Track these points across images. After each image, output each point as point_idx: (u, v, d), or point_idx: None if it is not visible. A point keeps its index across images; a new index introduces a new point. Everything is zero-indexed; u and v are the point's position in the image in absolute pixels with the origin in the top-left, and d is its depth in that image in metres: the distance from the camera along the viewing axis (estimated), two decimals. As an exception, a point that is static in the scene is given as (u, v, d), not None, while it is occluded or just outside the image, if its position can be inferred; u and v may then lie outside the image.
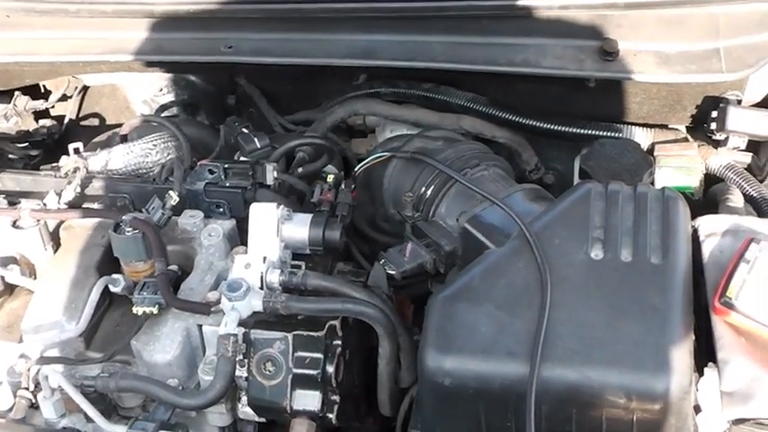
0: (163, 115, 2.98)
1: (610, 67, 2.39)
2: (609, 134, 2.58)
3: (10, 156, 3.03)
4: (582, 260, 1.88)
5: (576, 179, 2.56)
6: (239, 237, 2.37)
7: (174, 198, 2.34)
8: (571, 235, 1.93)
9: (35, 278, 2.41)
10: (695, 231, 2.03)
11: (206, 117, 3.09)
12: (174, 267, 2.26)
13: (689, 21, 2.37)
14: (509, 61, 2.45)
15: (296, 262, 2.21)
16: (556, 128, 2.62)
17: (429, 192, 2.37)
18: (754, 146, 2.52)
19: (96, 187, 2.51)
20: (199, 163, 2.44)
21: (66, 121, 3.23)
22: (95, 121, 3.29)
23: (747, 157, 2.51)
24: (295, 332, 2.07)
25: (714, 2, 2.32)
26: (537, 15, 2.44)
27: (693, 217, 2.03)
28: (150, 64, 2.81)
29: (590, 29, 2.42)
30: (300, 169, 2.59)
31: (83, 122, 3.28)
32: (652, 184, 2.40)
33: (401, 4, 2.44)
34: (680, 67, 2.36)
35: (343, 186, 2.46)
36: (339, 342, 2.11)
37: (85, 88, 3.25)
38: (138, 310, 2.13)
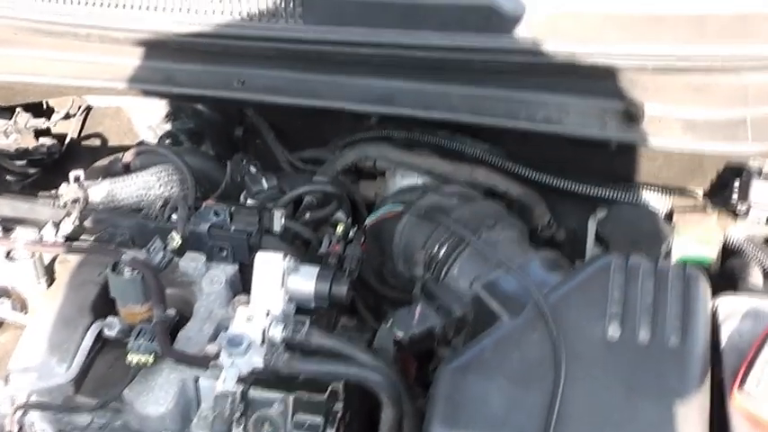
0: (167, 143, 2.92)
1: (633, 132, 2.32)
2: (626, 196, 2.51)
3: (8, 173, 2.97)
4: (598, 337, 1.82)
5: (591, 242, 2.52)
6: (242, 283, 2.29)
7: (176, 240, 2.26)
8: (588, 309, 1.88)
9: (26, 313, 2.33)
10: (714, 312, 1.97)
11: (211, 147, 2.95)
12: (171, 312, 2.16)
13: (717, 88, 2.28)
14: (530, 117, 2.38)
15: (300, 317, 2.11)
16: (572, 186, 2.54)
17: (442, 252, 2.28)
18: (776, 219, 2.43)
19: (96, 220, 2.43)
20: (204, 204, 2.35)
21: (67, 140, 3.15)
22: (97, 142, 3.21)
23: (767, 230, 2.43)
24: (295, 394, 1.97)
25: (744, 70, 2.23)
26: (561, 72, 2.34)
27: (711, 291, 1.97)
28: (159, 94, 2.74)
29: (615, 90, 2.33)
30: (308, 215, 2.51)
31: (84, 142, 3.20)
32: (670, 252, 2.32)
33: (423, 53, 2.33)
34: (706, 134, 2.29)
35: (352, 235, 2.38)
36: (340, 406, 2.02)
37: (89, 108, 3.19)
38: (132, 358, 2.04)
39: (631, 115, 2.31)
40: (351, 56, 2.44)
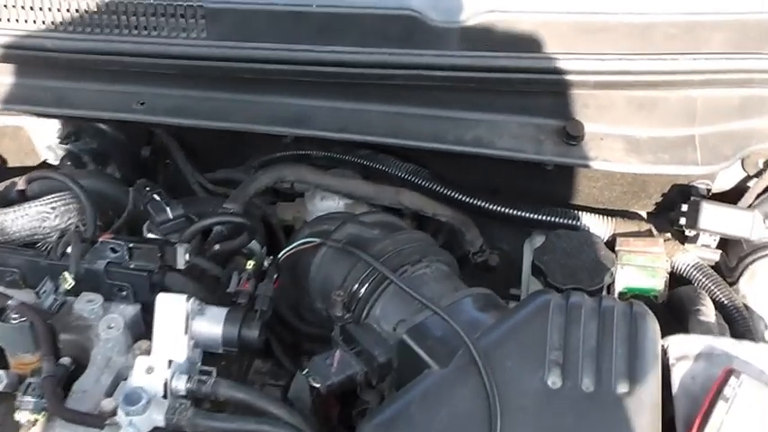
0: (68, 165, 2.74)
1: (573, 152, 2.14)
2: (564, 220, 2.35)
3: None
4: (537, 388, 1.67)
5: (527, 271, 2.36)
6: (144, 325, 2.08)
7: (68, 281, 2.06)
8: (526, 356, 1.72)
9: None
10: (664, 353, 1.82)
11: (117, 169, 2.81)
12: (66, 361, 1.98)
13: (664, 104, 2.14)
14: (458, 139, 2.20)
15: (206, 368, 1.94)
16: (505, 210, 2.38)
17: (362, 290, 2.08)
18: (722, 243, 2.30)
19: None
20: (100, 239, 2.14)
21: None
22: None
23: (716, 255, 2.26)
24: None
25: (693, 85, 2.07)
26: (492, 89, 2.17)
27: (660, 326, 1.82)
28: (50, 116, 2.52)
29: (552, 107, 2.17)
30: (217, 246, 2.30)
31: None
32: (612, 284, 2.16)
33: (339, 69, 2.14)
34: (651, 156, 2.13)
35: (266, 266, 2.21)
36: None
37: None
38: (21, 417, 1.86)
39: (570, 134, 2.14)
40: (260, 73, 2.25)
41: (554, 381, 1.67)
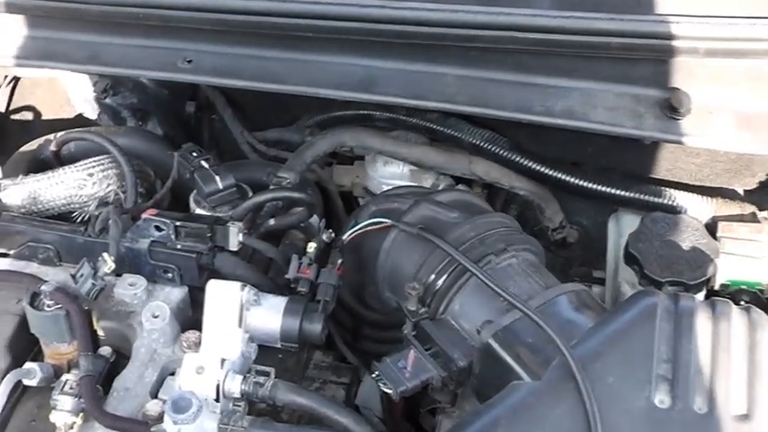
0: (106, 122, 2.58)
1: (676, 128, 1.89)
2: (659, 201, 2.11)
3: None
4: (643, 407, 1.47)
5: (612, 254, 2.14)
6: (192, 310, 1.91)
7: (108, 264, 1.87)
8: (630, 369, 1.52)
9: None
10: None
11: (159, 125, 2.62)
12: (106, 351, 1.84)
13: (782, 76, 1.87)
14: (546, 110, 1.95)
15: (262, 368, 1.74)
16: (591, 185, 2.14)
17: (440, 283, 1.85)
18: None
19: (12, 232, 2.02)
20: (143, 217, 1.94)
21: None
22: (29, 116, 2.85)
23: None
24: None
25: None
26: (587, 53, 1.93)
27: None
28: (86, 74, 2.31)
29: (654, 75, 1.91)
30: (272, 221, 2.11)
31: (13, 116, 2.83)
32: (714, 276, 1.93)
33: (414, 28, 1.92)
34: (764, 132, 1.87)
35: (325, 238, 2.02)
36: None
37: (16, 79, 2.79)
38: (56, 419, 1.70)
39: (674, 107, 1.89)
40: (323, 31, 2.01)
41: (662, 399, 1.48)
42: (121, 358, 1.84)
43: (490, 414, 1.54)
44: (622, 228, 2.14)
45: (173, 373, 1.78)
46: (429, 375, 1.73)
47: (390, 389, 1.71)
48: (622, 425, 1.46)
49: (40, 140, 2.39)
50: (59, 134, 2.35)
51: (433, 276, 1.86)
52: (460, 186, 2.30)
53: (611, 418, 1.45)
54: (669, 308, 1.58)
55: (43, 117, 2.84)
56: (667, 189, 2.12)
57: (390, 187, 2.30)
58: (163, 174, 2.28)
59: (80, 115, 2.73)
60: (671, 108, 1.90)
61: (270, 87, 2.10)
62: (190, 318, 1.90)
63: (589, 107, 1.94)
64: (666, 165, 2.11)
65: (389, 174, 2.37)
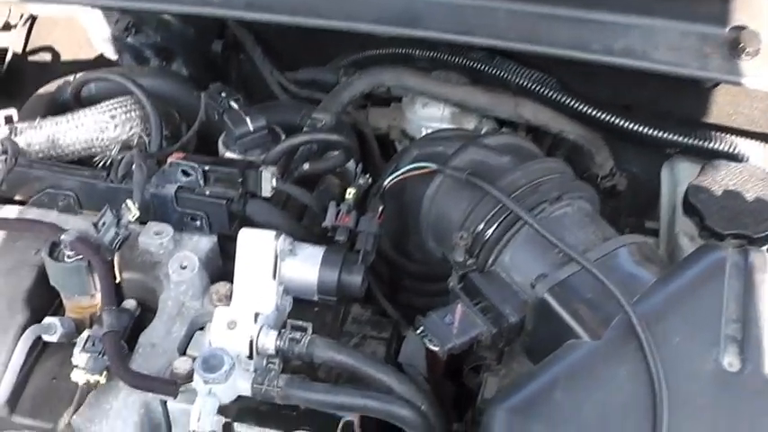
0: (129, 62, 2.47)
1: (745, 70, 1.78)
2: (719, 147, 2.00)
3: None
4: (711, 370, 1.41)
5: (666, 203, 2.03)
6: (223, 260, 1.82)
7: (132, 211, 1.78)
8: (696, 329, 1.45)
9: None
10: None
11: (184, 65, 2.51)
12: (130, 304, 1.75)
13: None
14: (605, 48, 1.83)
15: (299, 323, 1.62)
16: (647, 131, 2.04)
17: (490, 232, 1.73)
18: None
19: (30, 179, 1.94)
20: (169, 161, 1.84)
21: (8, 55, 2.72)
22: (47, 57, 2.77)
23: None
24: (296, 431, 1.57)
25: None
26: (649, -14, 1.80)
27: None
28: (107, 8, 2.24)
29: (722, 12, 1.81)
30: (306, 165, 2.00)
31: (31, 57, 2.76)
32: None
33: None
34: None
35: (362, 182, 1.90)
36: None
37: (33, 17, 2.71)
38: (79, 377, 1.60)
39: (743, 47, 1.77)
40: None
41: (731, 362, 1.41)
42: (147, 312, 1.75)
43: (547, 375, 1.45)
44: (677, 176, 2.04)
45: (202, 328, 1.70)
46: (478, 331, 1.63)
47: (437, 346, 1.61)
48: (688, 389, 1.39)
49: (59, 82, 2.31)
50: (79, 75, 2.26)
51: (482, 225, 1.75)
52: (505, 130, 2.18)
53: (677, 382, 1.38)
54: (738, 263, 1.50)
55: (62, 58, 2.75)
56: (727, 135, 2.03)
57: (432, 130, 2.20)
58: (188, 117, 2.19)
59: (100, 56, 2.64)
60: (738, 48, 1.80)
61: (304, 22, 1.99)
62: (220, 269, 1.81)
63: (651, 46, 1.84)
64: (728, 109, 2.04)
65: (429, 116, 2.26)
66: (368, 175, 1.93)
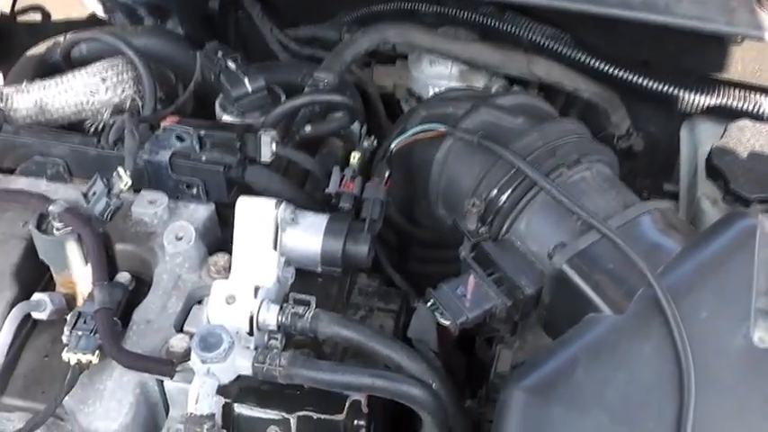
0: (121, 21, 2.39)
1: None
2: (742, 107, 1.93)
3: None
4: (740, 347, 1.33)
5: (686, 163, 1.95)
6: (221, 230, 1.76)
7: (124, 180, 1.71)
8: (725, 303, 1.37)
9: None
10: None
11: (179, 24, 2.43)
12: (124, 278, 1.70)
13: None
14: (624, 2, 1.75)
15: (302, 296, 1.55)
16: (666, 89, 1.97)
17: (503, 198, 1.64)
18: None
19: (17, 146, 1.87)
20: (163, 125, 1.76)
21: None
22: (36, 17, 2.69)
23: None
24: (300, 412, 1.51)
25: None
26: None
27: None
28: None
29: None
30: (308, 128, 1.91)
31: (20, 18, 2.69)
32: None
33: None
34: None
35: (367, 145, 1.85)
36: (363, 423, 1.53)
37: None
38: (70, 357, 1.52)
39: (770, -2, 1.69)
40: None
41: (762, 337, 1.33)
42: (142, 285, 1.69)
43: (567, 352, 1.37)
44: (698, 136, 1.97)
45: (200, 302, 1.64)
46: (492, 304, 1.56)
47: (448, 320, 1.54)
48: (717, 366, 1.31)
49: (49, 43, 2.24)
50: (69, 35, 2.19)
51: (495, 191, 1.66)
52: (516, 89, 2.09)
53: (705, 359, 1.30)
54: None
55: (52, 18, 2.68)
56: (753, 94, 1.96)
57: (440, 89, 2.13)
58: (185, 77, 2.13)
59: (92, 15, 2.56)
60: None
61: None
62: (218, 239, 1.76)
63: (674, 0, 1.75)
64: (753, 66, 1.97)
65: (436, 74, 2.19)
66: (373, 138, 1.87)
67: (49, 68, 2.14)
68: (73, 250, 1.63)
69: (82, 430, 1.54)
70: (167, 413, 1.60)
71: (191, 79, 2.03)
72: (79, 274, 1.66)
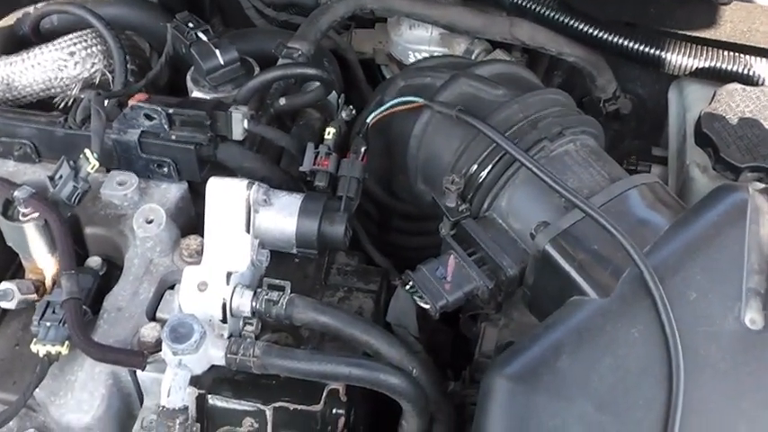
0: None
1: None
2: (731, 68, 1.84)
3: None
4: (731, 330, 1.28)
5: (675, 126, 1.89)
6: (196, 207, 1.71)
7: (91, 162, 1.62)
8: (715, 283, 1.31)
9: None
10: None
11: None
12: (95, 262, 1.66)
13: None
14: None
15: (276, 282, 1.49)
16: (652, 51, 1.87)
17: (484, 174, 1.58)
18: None
19: None
20: (131, 104, 1.69)
21: None
22: None
23: None
24: (276, 403, 1.46)
25: None
26: None
27: None
28: None
29: None
30: (282, 100, 1.84)
31: None
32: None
33: None
34: None
35: (346, 116, 1.79)
36: (342, 412, 1.49)
37: None
38: (39, 349, 1.47)
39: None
40: None
41: (753, 318, 1.29)
42: (114, 269, 1.65)
43: (551, 337, 1.32)
44: (687, 99, 1.90)
45: (172, 287, 1.59)
46: (473, 286, 1.51)
47: (428, 303, 1.49)
48: (707, 350, 1.27)
49: (18, 14, 2.13)
50: (39, 5, 2.08)
51: (475, 167, 1.60)
52: (498, 52, 2.02)
53: (695, 342, 1.26)
54: (762, 206, 1.37)
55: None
56: (742, 55, 1.87)
57: (420, 57, 2.08)
58: (159, 47, 2.03)
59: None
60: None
61: None
62: (192, 219, 1.72)
63: None
64: (742, 27, 1.88)
65: (416, 38, 2.15)
66: (351, 107, 1.81)
67: (17, 42, 2.05)
68: (38, 237, 1.57)
69: (54, 422, 1.50)
70: (142, 402, 1.55)
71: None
72: (46, 261, 1.60)
